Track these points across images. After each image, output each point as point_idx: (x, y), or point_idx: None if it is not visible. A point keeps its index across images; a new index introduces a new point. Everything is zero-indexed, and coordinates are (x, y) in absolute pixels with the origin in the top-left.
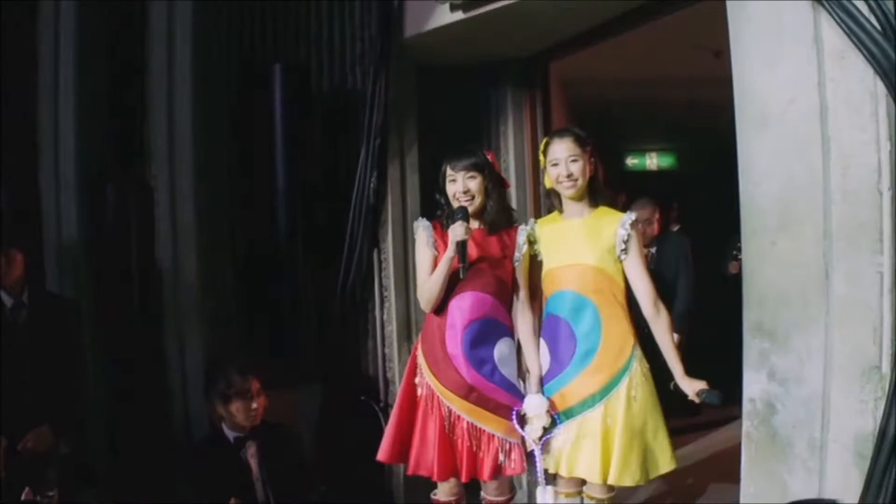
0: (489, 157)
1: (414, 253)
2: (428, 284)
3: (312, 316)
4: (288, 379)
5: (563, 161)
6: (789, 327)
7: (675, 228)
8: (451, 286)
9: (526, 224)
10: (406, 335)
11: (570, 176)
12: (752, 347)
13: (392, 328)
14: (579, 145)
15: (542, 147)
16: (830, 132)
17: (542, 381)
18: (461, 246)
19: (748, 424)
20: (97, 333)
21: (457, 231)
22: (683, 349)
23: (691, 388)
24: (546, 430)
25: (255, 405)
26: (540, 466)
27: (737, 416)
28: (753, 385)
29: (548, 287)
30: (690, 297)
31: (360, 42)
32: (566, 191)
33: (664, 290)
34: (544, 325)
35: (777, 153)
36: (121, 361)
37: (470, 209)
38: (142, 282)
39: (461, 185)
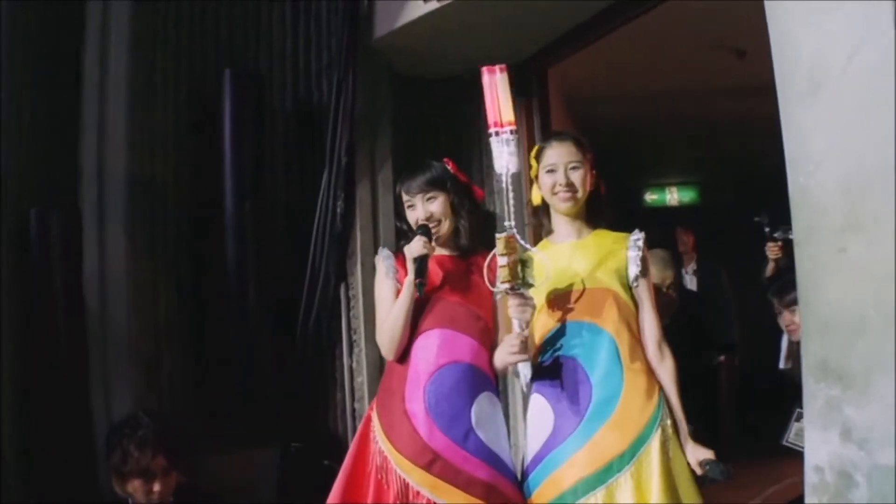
0: (449, 166)
1: None
2: (387, 323)
3: (268, 364)
4: (240, 439)
5: (561, 167)
6: (869, 366)
7: (690, 268)
8: (422, 322)
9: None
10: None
11: (569, 185)
12: (815, 395)
13: (363, 379)
14: (581, 151)
15: (533, 152)
16: None
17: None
18: (419, 262)
19: (814, 501)
20: (14, 378)
21: (413, 247)
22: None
23: (694, 455)
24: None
25: (157, 487)
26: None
27: None
28: (820, 448)
29: (547, 319)
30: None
31: (328, 50)
32: (562, 203)
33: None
34: (540, 374)
35: (837, 128)
36: (40, 409)
37: (436, 234)
38: (67, 319)
39: (421, 212)
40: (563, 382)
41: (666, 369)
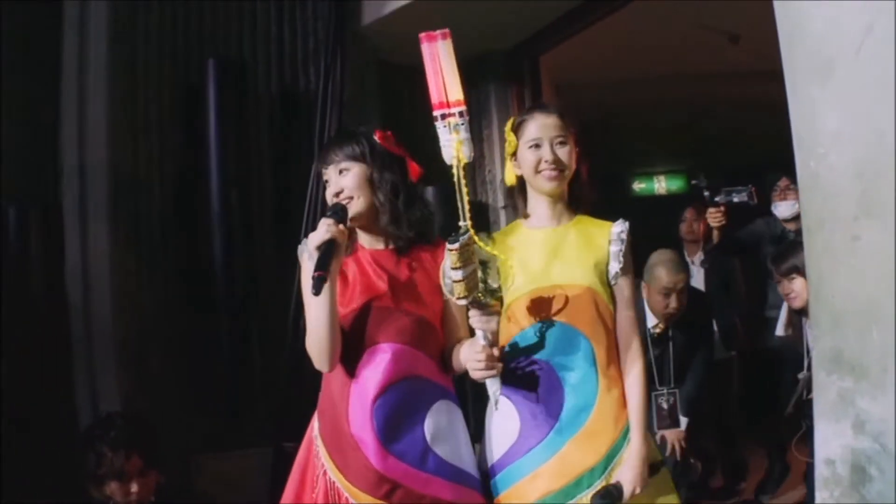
0: (378, 137)
1: None
2: (311, 334)
3: (259, 361)
4: (232, 438)
5: (546, 142)
6: (884, 357)
7: (697, 258)
8: (360, 335)
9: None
10: None
11: (556, 162)
12: (827, 387)
13: None
14: (566, 125)
15: (510, 124)
16: None
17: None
18: (324, 250)
19: (825, 496)
20: None
21: (316, 234)
22: (689, 434)
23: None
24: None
25: (134, 488)
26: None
27: None
28: (831, 441)
29: (518, 319)
30: (705, 374)
31: (314, 35)
32: (547, 183)
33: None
34: (510, 377)
35: (851, 109)
36: (22, 412)
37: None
38: (49, 318)
39: (334, 187)
40: (533, 387)
41: (634, 371)
